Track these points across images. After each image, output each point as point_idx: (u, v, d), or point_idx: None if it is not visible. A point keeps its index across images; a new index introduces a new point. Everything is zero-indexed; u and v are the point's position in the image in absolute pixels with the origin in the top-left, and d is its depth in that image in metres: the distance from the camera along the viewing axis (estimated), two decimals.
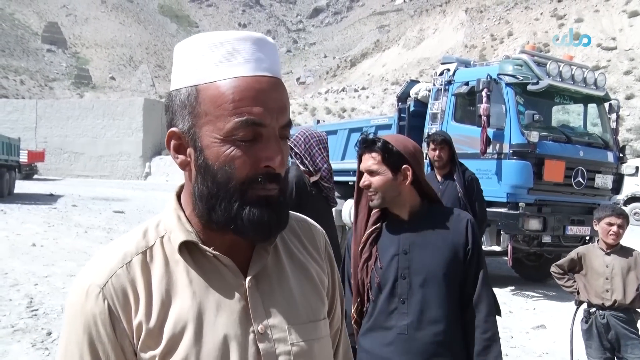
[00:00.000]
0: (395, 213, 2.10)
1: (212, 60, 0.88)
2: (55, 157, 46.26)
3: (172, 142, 0.93)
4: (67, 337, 0.91)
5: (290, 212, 1.09)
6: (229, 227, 0.89)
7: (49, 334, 5.17)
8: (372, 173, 2.05)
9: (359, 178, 2.12)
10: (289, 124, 0.92)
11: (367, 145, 2.08)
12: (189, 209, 0.95)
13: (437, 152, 4.72)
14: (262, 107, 0.87)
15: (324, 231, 1.17)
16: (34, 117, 47.47)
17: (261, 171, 0.88)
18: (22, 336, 5.08)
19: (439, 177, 4.78)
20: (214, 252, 0.92)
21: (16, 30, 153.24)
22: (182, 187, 0.99)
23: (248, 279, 0.93)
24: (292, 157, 3.45)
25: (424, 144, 8.50)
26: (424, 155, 8.52)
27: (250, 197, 0.88)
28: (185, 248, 0.92)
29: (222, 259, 0.92)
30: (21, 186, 24.12)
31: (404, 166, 2.05)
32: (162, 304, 0.89)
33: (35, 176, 37.81)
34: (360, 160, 2.12)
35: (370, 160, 2.05)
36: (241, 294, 0.93)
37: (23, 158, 28.62)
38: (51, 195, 22.13)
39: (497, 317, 2.09)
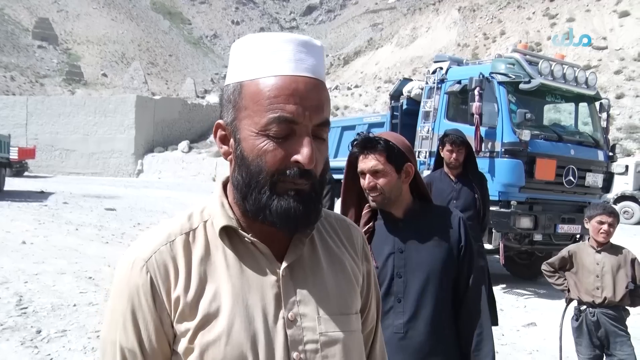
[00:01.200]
0: (388, 211, 2.08)
1: (257, 59, 0.94)
2: (46, 154, 45.93)
3: (219, 133, 1.00)
4: (112, 305, 0.98)
5: (331, 211, 1.15)
6: (259, 217, 0.95)
7: (39, 332, 5.14)
8: (376, 173, 2.02)
9: (349, 178, 2.11)
10: (325, 123, 0.95)
11: (369, 145, 2.03)
12: (231, 196, 1.02)
13: (454, 154, 4.46)
14: (296, 105, 0.91)
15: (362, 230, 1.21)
16: (25, 113, 47.11)
17: (290, 166, 0.92)
18: (11, 334, 5.04)
19: (452, 177, 4.58)
20: (252, 238, 0.98)
21: (6, 26, 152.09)
22: (228, 177, 1.05)
23: (283, 267, 0.98)
24: None
25: (430, 142, 8.60)
26: (421, 154, 8.50)
27: (279, 189, 0.93)
28: (225, 233, 0.99)
29: (259, 245, 0.98)
30: (11, 183, 23.94)
31: (406, 164, 2.04)
32: (199, 281, 0.95)
33: (26, 173, 37.52)
34: (353, 161, 2.08)
35: (374, 161, 2.01)
36: (275, 281, 0.98)
37: (13, 155, 28.36)
38: (42, 192, 21.97)
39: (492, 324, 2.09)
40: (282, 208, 0.93)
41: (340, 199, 2.19)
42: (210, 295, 0.94)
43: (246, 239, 0.98)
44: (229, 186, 1.03)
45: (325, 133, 0.97)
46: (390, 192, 2.03)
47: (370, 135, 2.09)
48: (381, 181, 2.01)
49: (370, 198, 2.06)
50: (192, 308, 0.94)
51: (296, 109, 0.91)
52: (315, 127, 0.94)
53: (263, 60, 0.93)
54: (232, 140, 0.98)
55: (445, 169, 4.62)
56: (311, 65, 0.95)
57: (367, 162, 2.03)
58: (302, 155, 0.91)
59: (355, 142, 2.08)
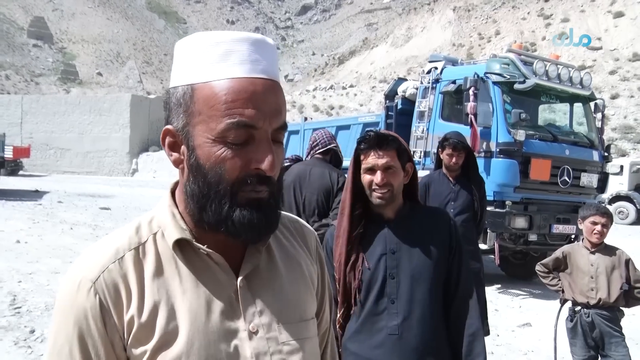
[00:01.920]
0: (379, 212, 2.07)
1: (208, 60, 0.88)
2: (41, 153, 45.75)
3: (167, 140, 0.94)
4: (56, 330, 0.91)
5: (283, 212, 1.09)
6: (220, 229, 0.90)
7: (32, 331, 5.11)
8: (388, 170, 2.00)
9: (355, 175, 2.07)
10: (283, 126, 0.91)
11: (385, 142, 2.02)
12: (182, 206, 0.96)
13: (454, 158, 4.41)
14: (254, 109, 0.86)
15: (315, 232, 1.17)
16: (20, 112, 46.91)
17: (251, 173, 0.88)
18: (4, 334, 5.02)
19: (451, 179, 4.55)
20: (207, 250, 0.92)
21: (1, 25, 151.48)
22: (176, 184, 1.00)
23: (240, 278, 0.94)
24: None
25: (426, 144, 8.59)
26: (416, 154, 8.49)
27: (240, 199, 0.88)
28: (178, 245, 0.93)
29: (215, 257, 0.93)
30: (6, 182, 23.83)
31: (408, 163, 2.05)
32: (153, 300, 0.89)
33: (21, 172, 37.37)
34: (361, 157, 2.05)
35: (387, 158, 2.00)
36: (233, 293, 0.93)
37: (8, 154, 28.33)
38: (36, 191, 21.88)
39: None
40: (244, 219, 0.88)
41: (342, 197, 2.13)
42: (166, 314, 0.88)
43: (201, 250, 0.92)
44: (178, 194, 0.98)
45: (282, 136, 0.93)
46: (396, 190, 2.03)
47: (383, 131, 2.08)
48: (392, 178, 2.00)
49: (377, 195, 2.01)
50: (147, 329, 0.88)
51: (255, 113, 0.86)
52: (273, 131, 0.90)
53: (215, 61, 0.88)
54: (183, 148, 0.91)
55: (444, 170, 4.60)
56: (267, 66, 0.90)
57: (381, 159, 2.00)
58: (264, 162, 0.87)
59: (367, 138, 2.04)
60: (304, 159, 4.43)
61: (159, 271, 0.91)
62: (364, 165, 2.05)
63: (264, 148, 0.88)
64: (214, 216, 0.89)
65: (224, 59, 0.88)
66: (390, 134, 2.06)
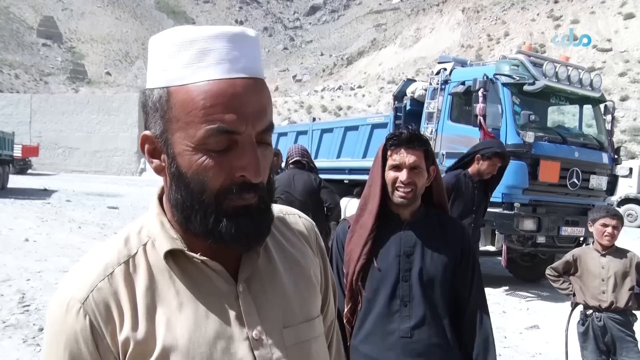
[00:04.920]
0: (397, 213, 2.05)
1: (182, 61, 0.81)
2: (50, 152, 46.06)
3: (146, 146, 0.88)
4: (47, 353, 0.86)
5: (280, 205, 1.06)
6: (207, 239, 0.84)
7: (41, 329, 5.13)
8: (415, 169, 1.97)
9: (381, 172, 2.03)
10: (268, 128, 0.85)
11: (415, 140, 1.99)
12: (170, 213, 0.90)
13: (493, 167, 4.47)
14: (235, 113, 0.80)
15: (315, 224, 1.13)
16: (29, 111, 47.23)
17: (236, 181, 0.82)
18: (13, 332, 5.04)
19: (474, 184, 4.56)
20: (201, 257, 0.86)
21: (11, 24, 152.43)
22: (163, 189, 0.94)
23: (239, 283, 0.89)
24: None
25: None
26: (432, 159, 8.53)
27: (226, 208, 0.83)
28: (170, 255, 0.87)
29: (211, 264, 0.88)
30: (15, 181, 23.97)
31: (432, 166, 2.03)
32: (148, 316, 0.84)
33: (29, 171, 37.62)
34: (388, 154, 2.02)
35: (415, 157, 1.97)
36: (233, 300, 0.89)
37: (17, 152, 28.44)
38: (45, 190, 22.00)
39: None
40: (231, 229, 0.83)
41: (365, 193, 2.10)
42: (164, 329, 0.83)
43: (195, 259, 0.86)
44: (165, 202, 0.92)
45: (269, 137, 0.87)
46: (419, 191, 2.00)
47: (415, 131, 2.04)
48: (417, 178, 1.98)
49: (400, 193, 1.98)
50: (145, 347, 0.83)
51: (236, 118, 0.80)
52: (257, 134, 0.83)
53: (189, 62, 0.81)
54: (164, 155, 0.86)
55: (471, 170, 4.59)
56: (247, 63, 0.83)
57: (409, 157, 1.97)
58: (248, 169, 0.81)
59: (398, 135, 2.00)
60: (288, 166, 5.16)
61: (151, 284, 0.86)
62: (390, 162, 2.01)
63: (248, 154, 0.82)
64: (200, 227, 0.84)
65: (200, 59, 0.81)
66: (422, 134, 2.04)
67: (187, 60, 0.81)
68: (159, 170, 0.89)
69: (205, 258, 0.87)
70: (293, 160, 4.95)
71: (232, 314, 0.88)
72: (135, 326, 0.83)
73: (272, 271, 0.95)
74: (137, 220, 0.95)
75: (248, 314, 0.89)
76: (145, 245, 0.89)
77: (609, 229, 3.56)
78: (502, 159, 4.46)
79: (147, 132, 0.87)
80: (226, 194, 0.82)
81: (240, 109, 0.81)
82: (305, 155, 4.99)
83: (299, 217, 1.09)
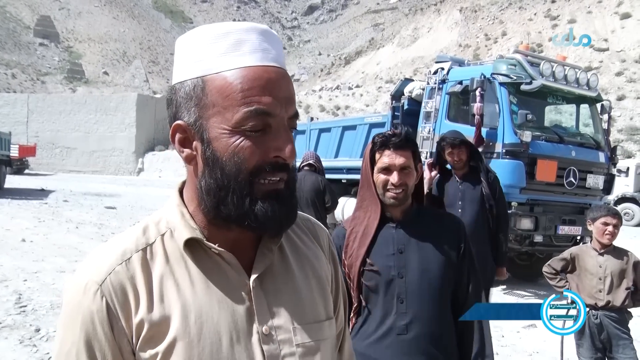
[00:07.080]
0: (388, 212, 2.06)
1: (218, 51, 0.87)
2: (47, 151, 45.93)
3: (177, 136, 0.91)
4: (63, 334, 0.89)
5: None
6: (243, 222, 0.88)
7: (38, 330, 5.12)
8: (403, 170, 1.98)
9: (371, 173, 2.03)
10: (296, 114, 0.91)
11: (405, 140, 2.00)
12: (192, 205, 0.93)
13: (455, 155, 4.43)
14: (271, 96, 0.86)
15: (327, 230, 1.15)
16: (26, 111, 47.11)
17: (270, 160, 0.87)
18: (9, 333, 5.03)
19: (457, 178, 4.53)
20: (219, 248, 0.90)
21: (8, 24, 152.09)
22: (184, 183, 0.98)
23: (252, 278, 0.92)
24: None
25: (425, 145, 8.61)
26: (422, 155, 8.48)
27: (258, 190, 0.87)
28: (187, 246, 0.90)
29: (226, 256, 0.91)
30: (12, 181, 23.94)
31: (419, 164, 2.05)
32: (163, 302, 0.87)
33: (26, 171, 37.54)
34: (376, 155, 2.02)
35: (404, 158, 1.98)
36: (245, 294, 0.91)
37: (14, 152, 28.38)
38: (42, 190, 21.98)
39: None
40: (267, 211, 0.87)
41: (362, 195, 2.10)
42: (177, 315, 0.86)
43: (212, 249, 0.90)
44: (187, 194, 0.95)
45: (295, 124, 0.92)
46: (410, 190, 2.01)
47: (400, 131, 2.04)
48: (407, 178, 1.99)
49: (391, 194, 1.99)
50: (158, 331, 0.86)
51: (272, 100, 0.86)
52: (288, 118, 0.89)
53: (226, 52, 0.87)
54: (196, 143, 0.89)
55: (452, 170, 4.59)
56: (276, 55, 0.90)
57: (398, 158, 1.98)
58: (283, 148, 0.87)
59: (384, 137, 2.01)
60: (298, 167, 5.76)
61: (167, 272, 0.89)
62: (378, 165, 2.01)
63: (283, 134, 0.88)
64: (235, 210, 0.87)
65: (235, 48, 0.87)
66: (408, 134, 2.03)
67: (223, 50, 0.87)
68: (189, 159, 0.91)
69: (222, 250, 0.90)
70: (307, 162, 5.69)
71: (243, 307, 0.90)
72: (150, 309, 0.86)
73: (285, 269, 0.98)
74: (155, 212, 0.98)
75: (259, 309, 0.91)
76: (163, 235, 0.92)
77: (610, 228, 3.57)
78: (451, 145, 4.40)
79: (179, 122, 0.90)
80: (260, 173, 0.87)
81: (274, 93, 0.87)
82: (317, 160, 5.77)
83: (314, 222, 1.12)
